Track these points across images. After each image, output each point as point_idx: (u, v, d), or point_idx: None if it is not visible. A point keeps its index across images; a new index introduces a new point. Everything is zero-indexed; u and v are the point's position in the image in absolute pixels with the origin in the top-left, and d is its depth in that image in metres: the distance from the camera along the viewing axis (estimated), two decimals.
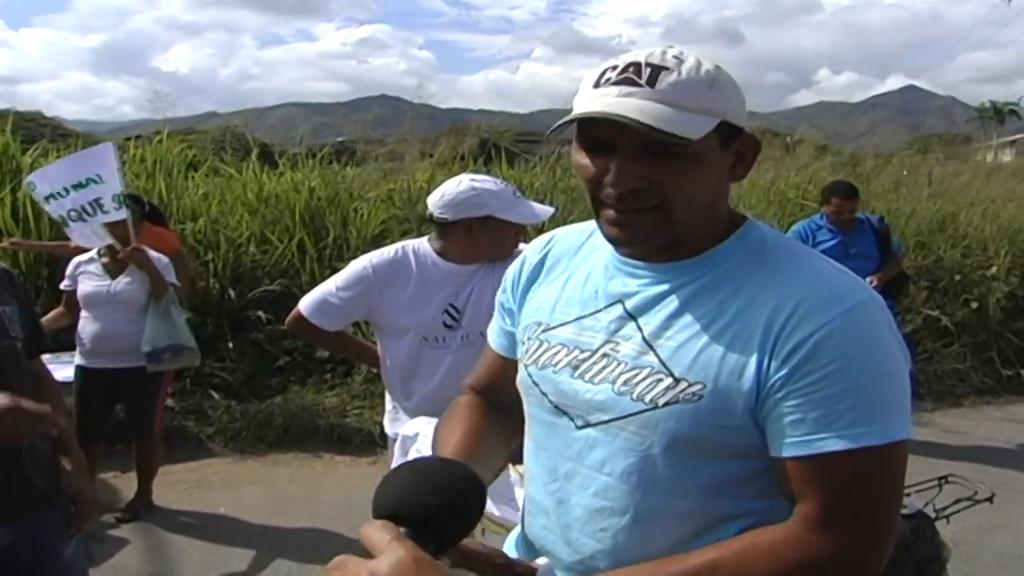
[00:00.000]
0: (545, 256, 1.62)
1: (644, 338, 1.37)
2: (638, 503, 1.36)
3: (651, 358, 1.35)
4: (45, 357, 2.81)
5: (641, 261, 1.42)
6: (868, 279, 5.51)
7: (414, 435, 2.67)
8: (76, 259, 5.39)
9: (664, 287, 1.39)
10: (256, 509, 5.45)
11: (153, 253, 5.22)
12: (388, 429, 3.23)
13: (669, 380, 1.33)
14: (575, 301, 1.49)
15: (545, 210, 3.16)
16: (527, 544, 1.54)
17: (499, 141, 11.44)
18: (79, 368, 5.15)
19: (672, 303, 1.38)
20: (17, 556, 2.39)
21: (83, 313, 5.18)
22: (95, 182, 5.27)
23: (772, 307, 1.30)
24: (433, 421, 1.96)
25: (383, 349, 3.17)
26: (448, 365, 2.96)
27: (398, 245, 3.16)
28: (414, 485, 1.13)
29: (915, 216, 10.30)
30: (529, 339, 1.54)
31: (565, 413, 1.44)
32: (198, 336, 5.54)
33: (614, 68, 1.33)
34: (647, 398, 1.34)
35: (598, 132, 1.32)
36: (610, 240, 1.40)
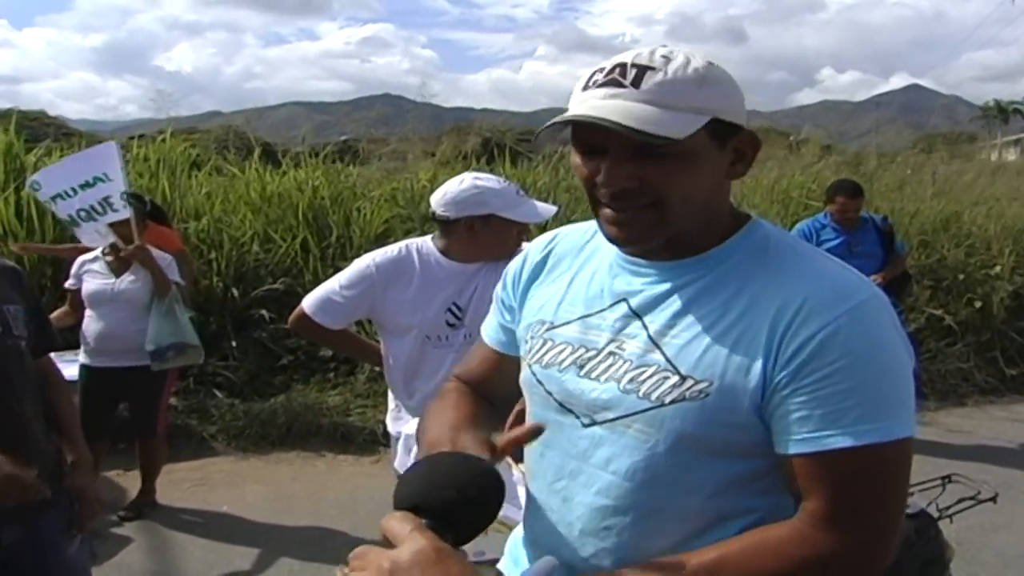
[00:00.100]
0: (548, 254, 1.62)
1: (650, 336, 1.38)
2: (642, 501, 1.36)
3: (657, 356, 1.36)
4: None
5: (645, 259, 1.43)
6: (871, 278, 5.51)
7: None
8: (81, 258, 5.40)
9: (669, 285, 1.40)
10: (259, 508, 5.46)
11: (156, 251, 5.23)
12: (391, 428, 3.23)
13: (675, 378, 1.33)
14: (580, 300, 1.50)
15: (548, 209, 3.16)
16: (530, 542, 1.54)
17: (502, 140, 11.43)
18: (83, 367, 5.16)
19: (677, 301, 1.38)
20: (19, 555, 2.40)
21: (87, 312, 5.19)
22: (103, 181, 5.28)
23: (778, 305, 1.30)
24: None
25: (386, 348, 3.17)
26: (451, 364, 2.95)
27: (402, 244, 3.16)
28: (435, 478, 1.14)
29: (919, 215, 10.29)
30: (533, 337, 1.54)
31: (571, 411, 1.44)
32: (201, 335, 5.54)
33: (602, 70, 1.33)
34: (653, 396, 1.34)
35: (588, 135, 1.33)
36: (609, 239, 1.40)
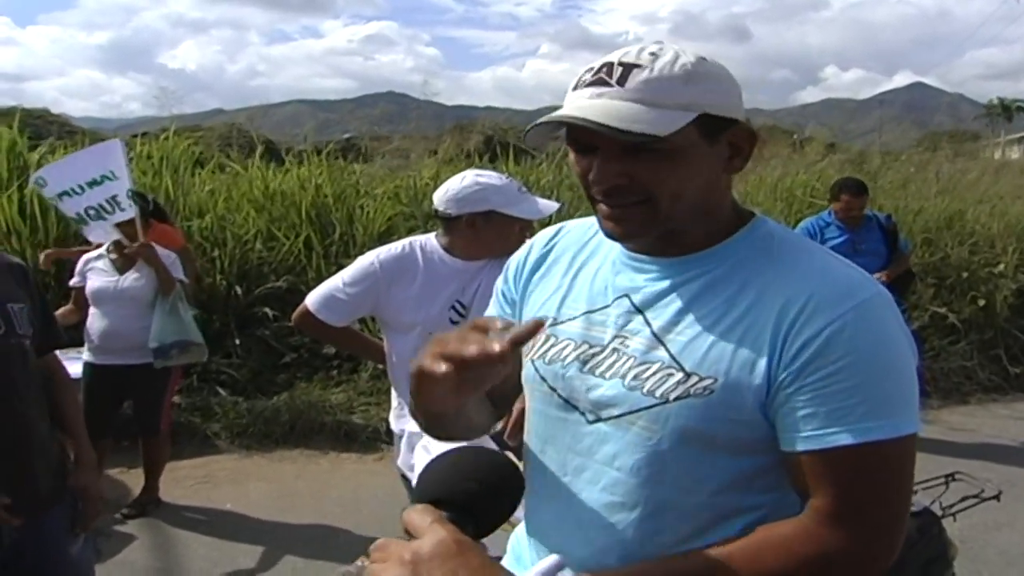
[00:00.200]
0: (551, 248, 1.62)
1: (653, 333, 1.38)
2: (647, 498, 1.36)
3: (661, 353, 1.36)
4: None
5: (649, 256, 1.43)
6: (875, 276, 5.51)
7: (420, 431, 2.67)
8: (85, 256, 5.41)
9: (672, 282, 1.40)
10: (262, 505, 5.47)
11: (161, 250, 5.24)
12: (394, 425, 3.23)
13: (680, 375, 1.33)
14: (584, 296, 1.50)
15: (550, 205, 3.16)
16: (534, 539, 1.54)
17: (505, 138, 11.44)
18: (87, 364, 5.17)
19: (681, 298, 1.38)
20: (22, 554, 2.40)
21: (91, 309, 5.20)
22: (109, 179, 5.28)
23: (782, 302, 1.30)
24: None
25: (389, 345, 3.17)
26: None
27: (405, 241, 3.16)
28: (456, 472, 1.15)
29: (923, 213, 10.29)
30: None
31: (575, 408, 1.44)
32: (205, 333, 5.54)
33: (591, 70, 1.34)
34: (658, 393, 1.34)
35: (579, 134, 1.34)
36: (607, 234, 1.41)
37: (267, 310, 7.62)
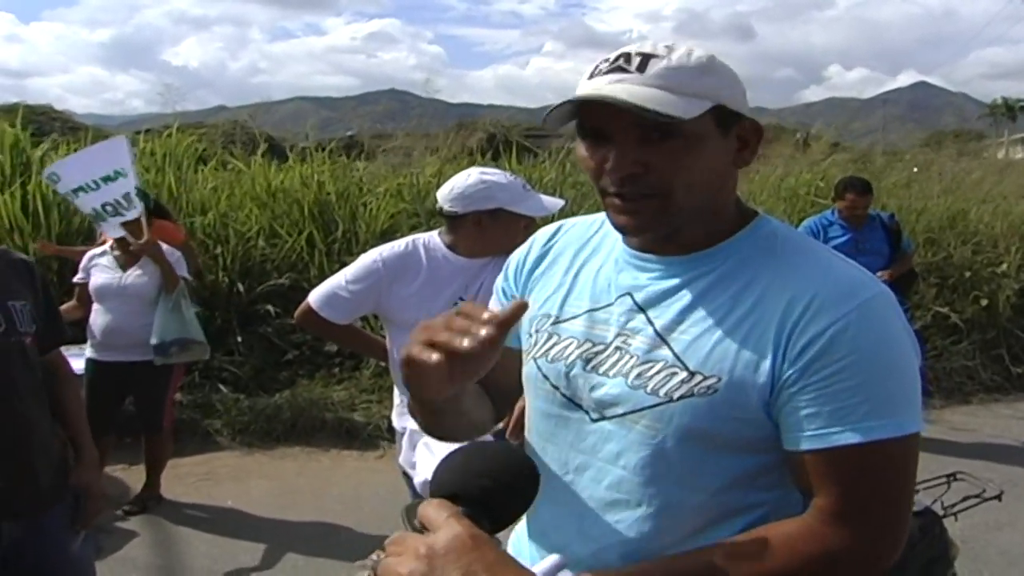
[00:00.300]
0: (552, 246, 1.62)
1: (656, 331, 1.38)
2: (651, 496, 1.36)
3: (665, 351, 1.36)
4: None
5: (652, 254, 1.43)
6: (877, 275, 5.50)
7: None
8: (90, 252, 5.42)
9: (675, 280, 1.40)
10: (264, 503, 5.47)
11: (165, 247, 5.24)
12: (396, 423, 3.23)
13: (684, 373, 1.33)
14: (586, 294, 1.50)
15: (554, 202, 3.16)
16: (536, 537, 1.54)
17: (508, 136, 11.43)
18: (90, 361, 5.17)
19: (685, 296, 1.38)
20: (23, 551, 2.39)
21: (95, 306, 5.21)
22: (123, 176, 5.27)
23: (786, 300, 1.30)
24: None
25: (392, 342, 3.17)
26: None
27: (408, 239, 3.16)
28: (472, 466, 1.15)
29: (926, 213, 10.29)
30: (538, 331, 1.53)
31: (579, 406, 1.44)
32: (207, 330, 5.54)
33: (606, 60, 1.35)
34: (662, 391, 1.34)
35: (594, 120, 1.34)
36: (618, 229, 1.40)
37: (269, 307, 7.63)
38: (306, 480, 6.00)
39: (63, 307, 5.25)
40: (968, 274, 9.54)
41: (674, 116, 1.25)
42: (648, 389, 1.35)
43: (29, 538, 2.40)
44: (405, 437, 3.11)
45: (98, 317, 5.17)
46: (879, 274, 5.86)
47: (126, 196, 5.23)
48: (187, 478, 5.88)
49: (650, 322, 1.39)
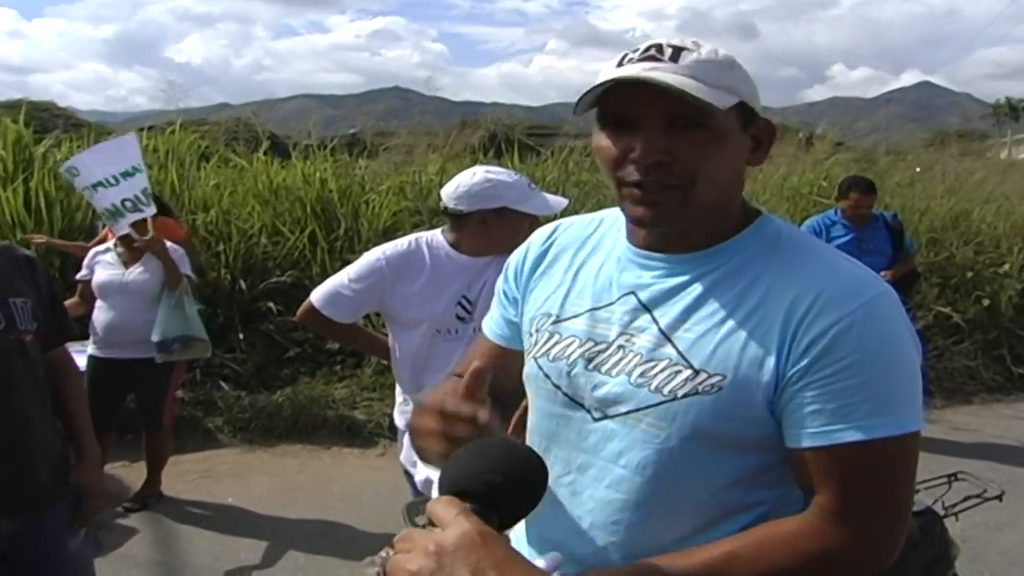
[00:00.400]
0: (551, 245, 1.62)
1: (661, 330, 1.38)
2: (653, 495, 1.37)
3: (669, 350, 1.36)
4: None
5: (657, 253, 1.43)
6: (880, 274, 5.50)
7: None
8: (94, 249, 5.43)
9: (680, 279, 1.40)
10: (264, 500, 5.47)
11: (169, 244, 5.24)
12: (398, 421, 3.23)
13: (688, 372, 1.33)
14: (587, 293, 1.50)
15: (559, 201, 3.15)
16: (536, 537, 1.54)
17: (511, 134, 11.43)
18: (91, 358, 5.17)
19: (689, 295, 1.38)
20: (21, 549, 2.39)
21: (97, 303, 5.22)
22: (139, 171, 5.26)
23: (791, 299, 1.31)
24: None
25: (394, 341, 3.16)
26: (460, 357, 2.94)
27: (411, 237, 3.15)
28: (481, 463, 1.15)
29: (929, 212, 10.28)
30: (538, 330, 1.53)
31: (580, 405, 1.44)
32: (208, 327, 5.54)
33: (636, 50, 1.35)
34: (665, 390, 1.34)
35: (622, 107, 1.33)
36: (634, 221, 1.39)
37: (271, 305, 7.63)
38: (307, 478, 6.00)
39: (65, 303, 5.25)
40: (970, 274, 9.53)
41: (715, 105, 1.27)
42: (652, 387, 1.35)
43: (28, 535, 2.40)
44: (406, 435, 3.11)
45: (100, 314, 5.18)
46: (881, 274, 5.86)
47: (144, 192, 5.22)
48: (188, 475, 5.88)
49: (655, 321, 1.39)
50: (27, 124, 8.57)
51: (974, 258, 9.75)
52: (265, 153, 9.35)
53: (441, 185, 3.13)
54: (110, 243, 5.35)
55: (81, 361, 5.03)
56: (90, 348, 5.19)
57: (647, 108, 1.30)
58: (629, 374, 1.38)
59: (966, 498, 2.10)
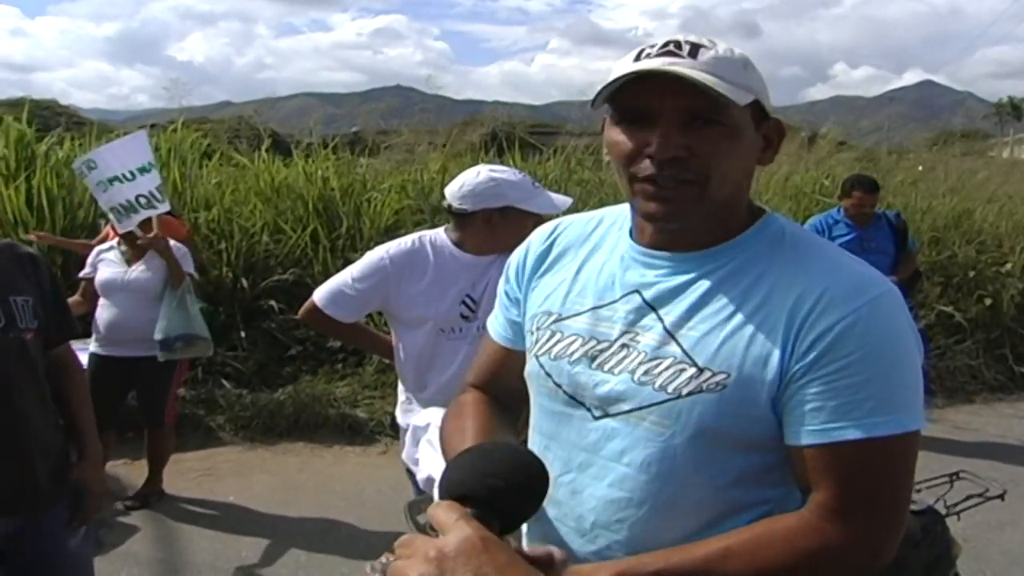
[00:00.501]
0: (552, 244, 1.61)
1: (665, 328, 1.38)
2: (656, 493, 1.37)
3: (673, 348, 1.36)
4: None
5: (662, 251, 1.43)
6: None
7: (425, 425, 2.67)
8: (97, 247, 5.43)
9: (684, 277, 1.40)
10: (265, 498, 5.47)
11: (172, 242, 5.24)
12: (400, 419, 3.22)
13: (692, 370, 1.33)
14: (589, 291, 1.49)
15: (563, 200, 3.14)
16: (537, 537, 1.54)
17: (512, 133, 11.40)
18: (93, 355, 5.17)
19: (694, 293, 1.38)
20: (20, 546, 2.38)
21: (100, 300, 5.22)
22: (154, 168, 5.25)
23: (795, 296, 1.31)
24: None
25: (398, 340, 3.16)
26: (464, 356, 2.93)
27: (414, 236, 3.15)
28: (482, 467, 1.15)
29: (931, 212, 10.28)
30: (539, 329, 1.53)
31: (581, 404, 1.44)
32: (210, 325, 5.54)
33: (653, 45, 1.35)
34: (669, 388, 1.34)
35: (640, 102, 1.33)
36: (647, 217, 1.38)
37: (273, 303, 7.63)
38: (308, 476, 6.00)
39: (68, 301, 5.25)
40: (972, 273, 9.53)
41: (734, 100, 1.27)
42: (656, 386, 1.36)
43: (27, 533, 2.40)
44: (408, 433, 3.10)
45: (103, 312, 5.18)
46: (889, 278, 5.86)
47: (159, 188, 5.22)
48: (189, 473, 5.88)
49: (660, 319, 1.39)
50: (29, 122, 8.57)
51: (976, 257, 9.75)
52: (267, 151, 9.35)
53: (443, 183, 3.12)
54: (113, 241, 5.35)
55: (83, 359, 5.03)
56: (92, 346, 5.20)
57: (666, 103, 1.30)
58: (632, 372, 1.38)
59: (968, 497, 2.11)
